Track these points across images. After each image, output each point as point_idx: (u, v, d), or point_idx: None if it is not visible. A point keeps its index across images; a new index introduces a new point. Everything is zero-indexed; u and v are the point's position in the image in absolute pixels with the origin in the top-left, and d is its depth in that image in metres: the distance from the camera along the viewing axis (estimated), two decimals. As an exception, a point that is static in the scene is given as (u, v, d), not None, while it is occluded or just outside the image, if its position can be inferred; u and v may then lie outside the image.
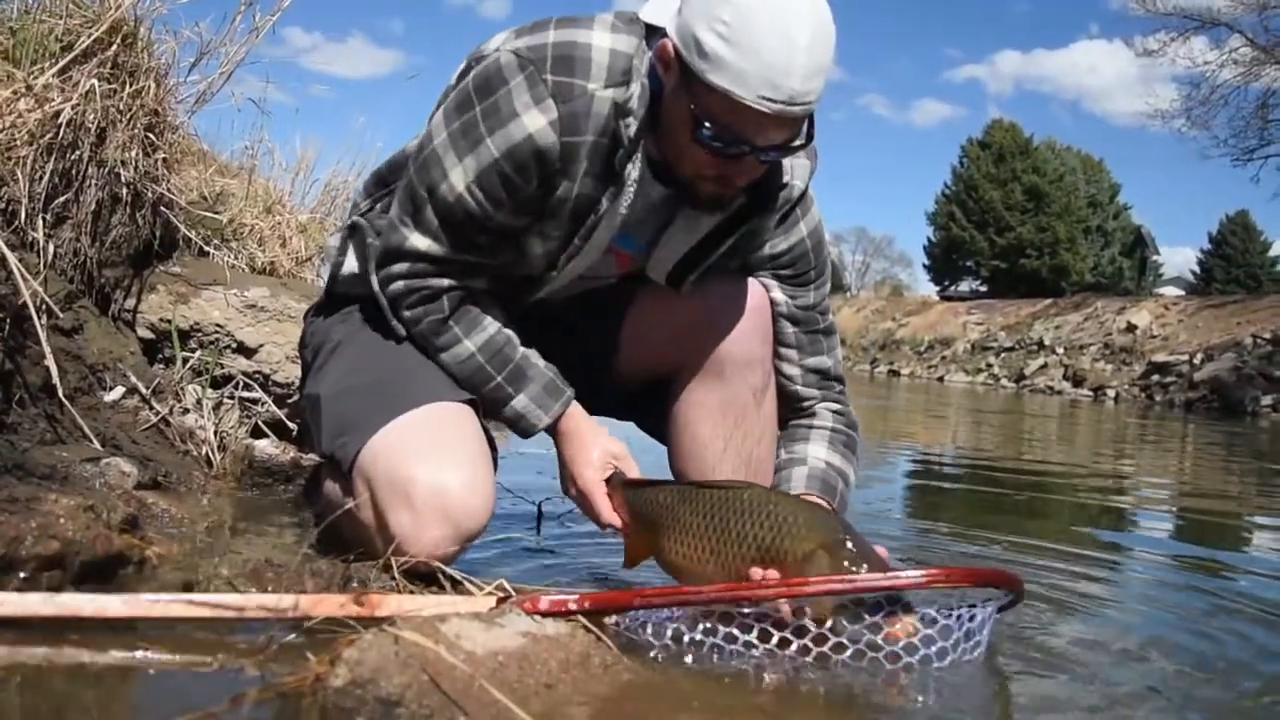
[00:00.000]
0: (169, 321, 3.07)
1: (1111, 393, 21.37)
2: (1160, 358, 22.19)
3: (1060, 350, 25.66)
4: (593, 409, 2.11)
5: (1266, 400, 17.77)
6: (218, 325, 3.16)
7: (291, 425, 3.04)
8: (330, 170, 5.47)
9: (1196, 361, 21.02)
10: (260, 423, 3.05)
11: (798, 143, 1.81)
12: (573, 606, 1.55)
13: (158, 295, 3.14)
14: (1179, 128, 34.40)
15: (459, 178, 1.85)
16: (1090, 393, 21.68)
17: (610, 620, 1.66)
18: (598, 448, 2.01)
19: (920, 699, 1.59)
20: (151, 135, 3.07)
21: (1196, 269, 54.70)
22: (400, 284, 1.96)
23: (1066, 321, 28.11)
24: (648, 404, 2.30)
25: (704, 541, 1.78)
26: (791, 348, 2.19)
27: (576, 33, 1.83)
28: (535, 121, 1.79)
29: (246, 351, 3.18)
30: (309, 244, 4.58)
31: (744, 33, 1.65)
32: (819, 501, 2.04)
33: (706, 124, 1.74)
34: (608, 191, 1.89)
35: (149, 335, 3.09)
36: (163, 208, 3.19)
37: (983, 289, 45.94)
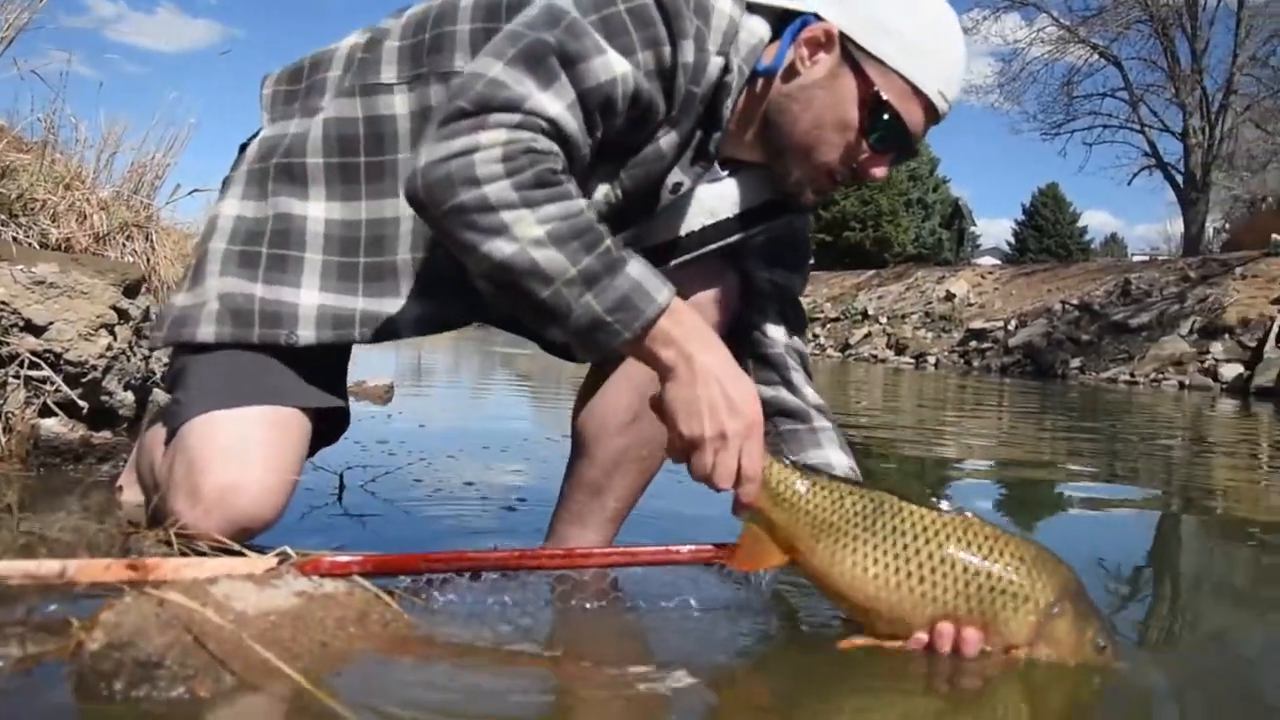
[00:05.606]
0: (-53, 300, 2.92)
1: (932, 359, 22.25)
2: (977, 325, 23.23)
3: (883, 320, 26.57)
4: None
5: (1075, 363, 18.82)
6: (2, 303, 3.01)
7: (83, 404, 2.93)
8: (139, 143, 5.23)
9: (1011, 328, 22.09)
10: (50, 402, 2.93)
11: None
12: (355, 569, 1.55)
13: (-66, 272, 2.98)
14: (992, 102, 36.16)
15: (615, 61, 1.55)
16: (912, 360, 22.50)
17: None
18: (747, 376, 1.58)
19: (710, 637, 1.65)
20: (-78, 103, 2.91)
21: (1011, 239, 57.25)
22: (503, 132, 1.46)
23: (889, 292, 29.12)
24: None
25: (909, 567, 1.53)
26: (779, 324, 2.05)
27: None
28: (686, 53, 1.60)
29: (35, 330, 3.05)
30: (110, 221, 4.42)
31: (933, 27, 1.67)
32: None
33: (881, 114, 1.66)
34: (681, 160, 1.77)
35: (-75, 314, 2.93)
36: (-63, 180, 3.03)
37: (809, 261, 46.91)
